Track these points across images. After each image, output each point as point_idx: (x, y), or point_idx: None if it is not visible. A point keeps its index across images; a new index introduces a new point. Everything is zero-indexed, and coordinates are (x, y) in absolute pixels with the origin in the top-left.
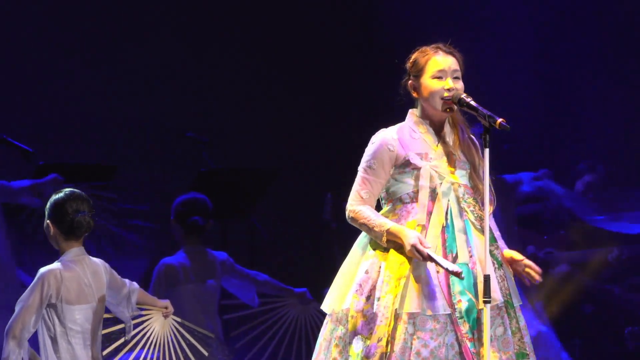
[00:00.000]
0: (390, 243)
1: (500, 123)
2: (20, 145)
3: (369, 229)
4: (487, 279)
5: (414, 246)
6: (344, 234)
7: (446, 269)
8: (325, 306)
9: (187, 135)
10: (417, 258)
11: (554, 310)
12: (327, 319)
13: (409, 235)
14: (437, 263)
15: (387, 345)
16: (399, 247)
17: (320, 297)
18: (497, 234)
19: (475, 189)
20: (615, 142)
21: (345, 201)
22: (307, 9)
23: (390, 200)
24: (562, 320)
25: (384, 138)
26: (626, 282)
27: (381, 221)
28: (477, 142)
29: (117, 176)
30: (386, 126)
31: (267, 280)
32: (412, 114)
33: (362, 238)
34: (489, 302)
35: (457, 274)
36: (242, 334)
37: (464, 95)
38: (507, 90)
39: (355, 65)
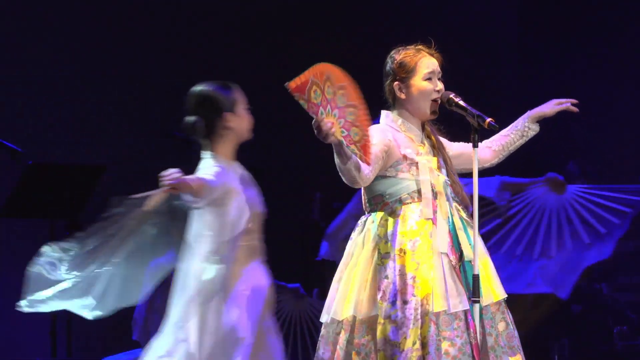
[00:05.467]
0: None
1: (489, 123)
2: (9, 145)
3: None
4: (475, 278)
5: None
6: None
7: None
8: (336, 314)
9: (175, 135)
10: None
11: (542, 309)
12: (332, 326)
13: None
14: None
15: (422, 348)
16: (414, 249)
17: (310, 295)
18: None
19: (453, 186)
20: (603, 142)
21: (335, 201)
22: (294, 7)
23: (387, 202)
24: (551, 319)
25: (381, 129)
26: (615, 282)
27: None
28: (444, 142)
29: (105, 176)
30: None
31: None
32: (388, 116)
33: (362, 243)
34: (477, 302)
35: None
36: None
37: (452, 95)
38: (491, 89)
39: (343, 64)
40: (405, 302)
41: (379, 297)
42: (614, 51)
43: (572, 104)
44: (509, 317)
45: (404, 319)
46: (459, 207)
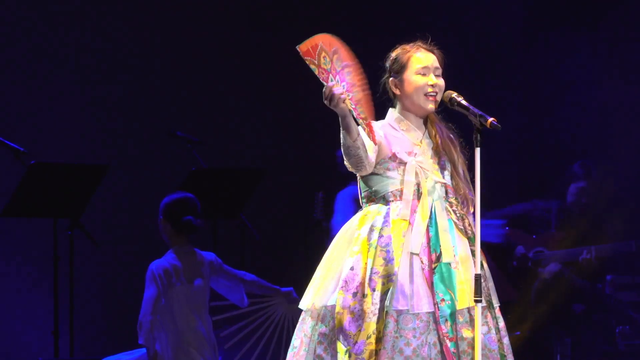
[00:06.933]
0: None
1: (491, 122)
2: (12, 144)
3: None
4: (477, 278)
5: None
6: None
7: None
8: (306, 302)
9: (178, 134)
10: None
11: (544, 309)
12: (305, 315)
13: None
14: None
15: (375, 343)
16: (383, 246)
17: None
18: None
19: (456, 188)
20: (608, 143)
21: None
22: (297, 11)
23: (373, 199)
24: (552, 319)
25: (375, 125)
26: (617, 282)
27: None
28: (455, 141)
29: (107, 176)
30: None
31: (254, 280)
32: (392, 112)
33: (344, 234)
34: (480, 301)
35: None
36: (231, 335)
37: (455, 95)
38: (493, 89)
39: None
40: (364, 296)
41: (340, 287)
42: (618, 48)
43: None
44: (496, 322)
45: (362, 312)
46: (451, 210)
